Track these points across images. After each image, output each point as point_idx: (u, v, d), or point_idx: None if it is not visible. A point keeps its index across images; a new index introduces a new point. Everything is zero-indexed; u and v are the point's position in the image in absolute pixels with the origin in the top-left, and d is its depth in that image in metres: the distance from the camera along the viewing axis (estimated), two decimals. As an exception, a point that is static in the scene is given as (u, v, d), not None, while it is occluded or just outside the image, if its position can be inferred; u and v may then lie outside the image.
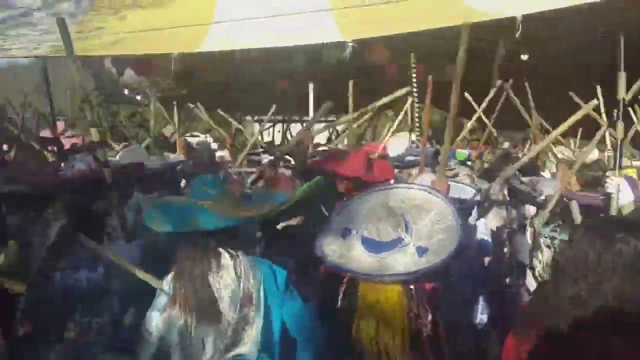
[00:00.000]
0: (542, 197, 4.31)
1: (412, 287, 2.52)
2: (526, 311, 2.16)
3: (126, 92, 11.97)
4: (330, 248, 2.67)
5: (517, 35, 7.35)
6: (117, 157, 5.24)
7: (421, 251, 2.52)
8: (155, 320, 2.55)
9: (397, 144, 7.13)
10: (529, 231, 4.41)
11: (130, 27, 8.48)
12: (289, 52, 8.34)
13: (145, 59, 9.70)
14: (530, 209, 4.62)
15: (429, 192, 2.80)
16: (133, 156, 4.90)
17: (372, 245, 2.60)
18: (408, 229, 2.60)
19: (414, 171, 5.40)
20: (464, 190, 4.09)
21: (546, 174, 6.52)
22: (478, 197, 3.90)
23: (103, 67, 10.79)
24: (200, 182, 2.73)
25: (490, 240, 3.99)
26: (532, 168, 6.11)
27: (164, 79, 11.11)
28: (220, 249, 2.55)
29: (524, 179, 5.18)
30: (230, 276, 2.50)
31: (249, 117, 12.83)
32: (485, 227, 3.99)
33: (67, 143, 8.95)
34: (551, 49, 8.83)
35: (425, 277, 2.53)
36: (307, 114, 8.93)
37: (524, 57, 8.88)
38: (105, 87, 12.95)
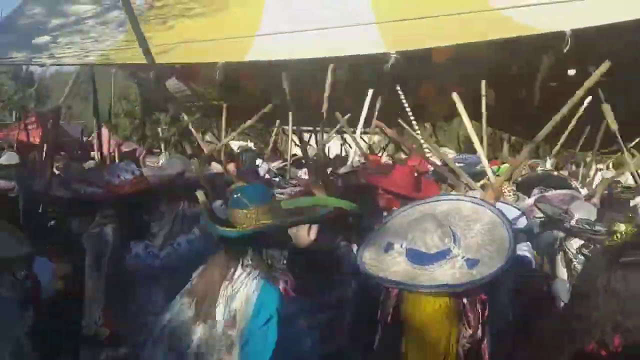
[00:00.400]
0: (573, 222, 4.05)
1: (465, 300, 2.44)
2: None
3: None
4: (372, 262, 2.61)
5: (565, 50, 7.18)
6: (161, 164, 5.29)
7: (471, 263, 2.44)
8: (176, 301, 2.60)
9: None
10: (559, 255, 4.10)
11: (178, 36, 8.61)
12: (333, 63, 8.30)
13: (188, 67, 9.83)
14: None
15: (476, 203, 2.73)
16: (178, 165, 4.94)
17: (418, 258, 2.51)
18: (456, 240, 2.52)
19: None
20: (509, 210, 3.80)
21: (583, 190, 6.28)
22: (525, 221, 3.76)
23: (148, 75, 10.99)
24: (241, 190, 2.71)
25: (531, 256, 3.77)
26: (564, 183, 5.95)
27: (207, 89, 11.28)
28: (242, 260, 2.51)
29: (555, 193, 4.98)
30: (228, 290, 2.45)
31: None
32: (526, 242, 3.81)
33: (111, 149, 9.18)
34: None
35: (475, 290, 2.45)
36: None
37: (571, 72, 8.71)
38: (148, 96, 13.21)
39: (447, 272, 2.44)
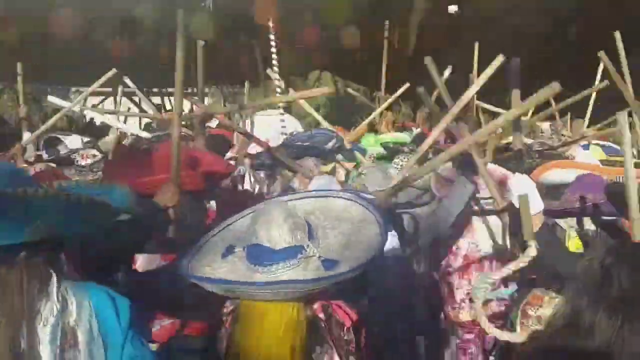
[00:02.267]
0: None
1: (322, 315, 2.14)
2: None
3: None
4: (205, 270, 2.25)
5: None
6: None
7: (329, 264, 2.12)
8: None
9: (264, 126, 5.52)
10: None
11: None
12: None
13: None
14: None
15: (348, 199, 2.47)
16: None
17: (262, 256, 2.13)
18: (313, 237, 2.21)
19: (311, 163, 4.32)
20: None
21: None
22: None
23: None
24: None
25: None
26: None
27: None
28: (51, 270, 1.98)
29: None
30: (50, 307, 1.96)
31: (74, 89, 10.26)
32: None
33: None
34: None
35: (325, 296, 2.16)
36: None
37: (453, 8, 7.14)
38: None
39: (298, 275, 2.11)
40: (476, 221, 3.68)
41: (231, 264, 2.25)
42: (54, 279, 2.08)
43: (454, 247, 3.63)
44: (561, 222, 3.66)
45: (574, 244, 3.56)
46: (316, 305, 2.15)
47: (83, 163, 4.91)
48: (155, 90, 8.13)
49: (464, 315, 3.56)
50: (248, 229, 2.35)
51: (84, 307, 2.08)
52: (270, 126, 5.53)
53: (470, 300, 3.40)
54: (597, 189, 3.42)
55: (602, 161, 4.54)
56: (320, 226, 2.33)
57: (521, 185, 2.84)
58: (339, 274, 2.10)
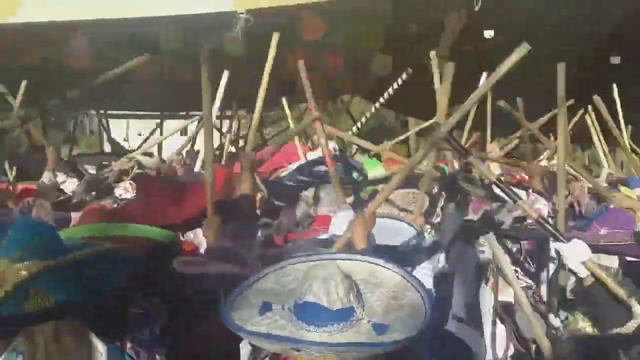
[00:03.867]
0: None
1: None
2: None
3: None
4: (248, 326, 2.13)
5: (476, 7, 6.17)
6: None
7: (380, 329, 2.05)
8: None
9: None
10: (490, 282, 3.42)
11: None
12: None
13: None
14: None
15: (375, 263, 2.35)
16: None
17: (314, 315, 2.04)
18: (360, 300, 2.12)
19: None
20: (399, 229, 3.41)
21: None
22: (415, 242, 3.36)
23: None
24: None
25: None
26: None
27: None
28: (93, 337, 1.93)
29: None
30: None
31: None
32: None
33: None
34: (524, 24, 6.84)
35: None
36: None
37: (488, 33, 6.99)
38: None
39: (351, 338, 2.04)
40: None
41: (272, 322, 2.18)
42: (99, 346, 2.01)
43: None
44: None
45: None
46: None
47: (129, 196, 4.56)
48: (182, 113, 8.00)
49: None
50: (285, 288, 2.33)
51: None
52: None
53: None
54: (628, 228, 3.23)
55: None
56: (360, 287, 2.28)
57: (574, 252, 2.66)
58: (394, 342, 2.04)
